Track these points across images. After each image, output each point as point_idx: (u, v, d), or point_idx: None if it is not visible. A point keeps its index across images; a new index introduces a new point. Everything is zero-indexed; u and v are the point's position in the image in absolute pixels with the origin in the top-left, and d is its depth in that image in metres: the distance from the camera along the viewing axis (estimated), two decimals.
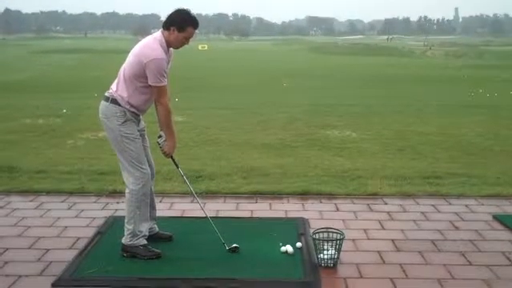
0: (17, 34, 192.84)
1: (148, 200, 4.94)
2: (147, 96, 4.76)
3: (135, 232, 4.84)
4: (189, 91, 21.82)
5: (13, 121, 13.11)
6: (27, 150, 9.61)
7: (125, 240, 4.88)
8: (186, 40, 4.76)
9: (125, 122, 4.73)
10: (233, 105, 17.38)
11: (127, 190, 4.84)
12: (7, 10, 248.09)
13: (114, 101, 4.74)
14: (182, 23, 4.68)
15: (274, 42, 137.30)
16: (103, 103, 4.80)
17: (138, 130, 4.87)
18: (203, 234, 5.36)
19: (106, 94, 4.82)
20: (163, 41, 4.70)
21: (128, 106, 4.73)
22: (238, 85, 28.11)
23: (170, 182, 7.02)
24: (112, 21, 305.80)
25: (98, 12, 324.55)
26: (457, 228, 5.69)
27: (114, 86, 4.81)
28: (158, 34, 4.76)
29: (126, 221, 4.88)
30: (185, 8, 4.79)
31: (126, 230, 4.88)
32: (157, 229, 5.25)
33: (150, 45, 4.69)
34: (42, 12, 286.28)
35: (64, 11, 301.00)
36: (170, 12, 4.78)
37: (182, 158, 8.48)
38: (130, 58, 4.72)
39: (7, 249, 5.05)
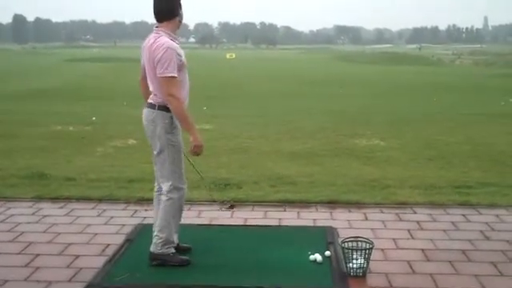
0: (47, 42, 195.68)
1: (182, 210, 4.94)
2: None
3: (168, 240, 4.79)
4: (216, 99, 21.89)
5: (44, 127, 13.29)
6: (58, 156, 9.73)
7: (155, 248, 4.80)
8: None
9: (173, 129, 4.65)
10: (260, 113, 17.39)
11: (165, 198, 4.74)
12: (38, 19, 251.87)
13: (161, 107, 4.63)
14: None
15: (301, 50, 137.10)
16: (149, 110, 4.69)
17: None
18: (231, 241, 5.40)
19: (151, 100, 4.70)
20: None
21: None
22: (265, 93, 28.07)
23: (198, 190, 7.01)
24: (141, 30, 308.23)
25: (127, 21, 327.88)
26: (488, 238, 5.62)
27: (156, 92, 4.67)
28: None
29: (157, 229, 4.79)
30: None
31: (156, 238, 4.79)
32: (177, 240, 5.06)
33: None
34: (71, 21, 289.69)
35: (94, 20, 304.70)
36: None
37: (210, 166, 8.55)
38: None
39: (38, 255, 5.12)
